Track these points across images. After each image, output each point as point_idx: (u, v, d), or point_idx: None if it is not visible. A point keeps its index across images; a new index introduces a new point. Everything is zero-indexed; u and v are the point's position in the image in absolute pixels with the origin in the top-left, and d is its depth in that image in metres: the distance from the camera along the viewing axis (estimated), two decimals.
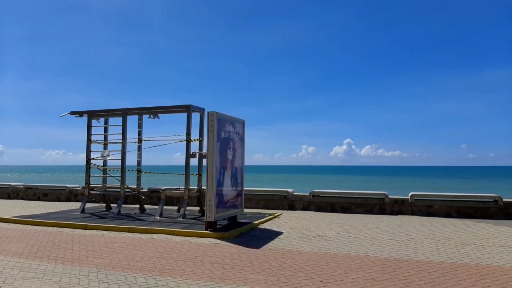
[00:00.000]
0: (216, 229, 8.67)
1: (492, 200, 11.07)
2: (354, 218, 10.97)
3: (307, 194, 12.77)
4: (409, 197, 11.68)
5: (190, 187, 10.81)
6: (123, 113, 11.45)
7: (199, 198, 11.19)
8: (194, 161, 10.71)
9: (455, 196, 11.36)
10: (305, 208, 12.70)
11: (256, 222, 9.81)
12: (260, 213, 11.64)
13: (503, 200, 10.98)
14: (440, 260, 6.43)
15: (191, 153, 10.49)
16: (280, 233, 8.78)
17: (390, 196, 11.95)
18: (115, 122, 11.89)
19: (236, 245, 7.54)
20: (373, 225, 9.80)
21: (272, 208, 12.96)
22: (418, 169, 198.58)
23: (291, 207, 12.85)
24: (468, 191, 23.77)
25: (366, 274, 5.63)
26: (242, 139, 10.03)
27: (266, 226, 9.73)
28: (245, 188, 10.70)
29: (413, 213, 11.58)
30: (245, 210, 11.56)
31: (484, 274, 5.64)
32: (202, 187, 10.73)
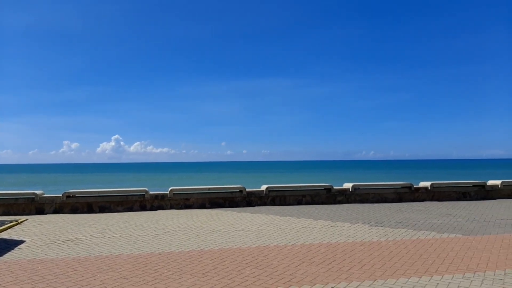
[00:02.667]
0: None
1: (238, 190, 12.68)
2: (113, 217, 10.58)
3: (60, 195, 11.54)
4: (168, 192, 12.11)
5: None
6: None
7: None
8: None
9: (209, 189, 12.48)
10: (58, 211, 11.44)
11: None
12: None
13: (246, 190, 12.73)
14: (190, 249, 6.87)
15: None
16: (21, 242, 7.58)
17: (150, 192, 12.09)
18: None
19: None
20: (131, 223, 9.69)
21: (15, 214, 11.12)
22: (184, 165, 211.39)
23: (40, 211, 11.35)
24: (220, 183, 26.68)
25: (116, 274, 5.45)
26: None
27: (4, 235, 8.24)
28: None
29: (172, 207, 12.07)
30: None
31: (225, 257, 6.33)
32: None
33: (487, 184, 14.51)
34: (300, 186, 13.37)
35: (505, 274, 5.38)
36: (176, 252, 6.70)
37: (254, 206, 12.55)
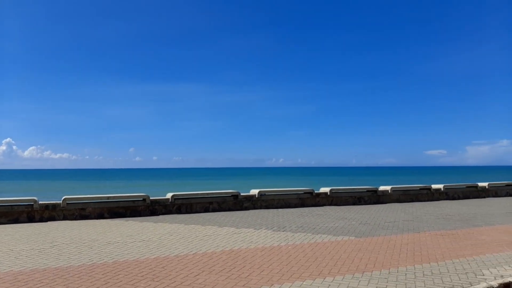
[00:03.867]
0: None
1: (142, 199, 12.12)
2: None
3: None
4: (61, 201, 11.12)
5: None
6: None
7: None
8: None
9: (108, 197, 11.72)
10: None
11: None
12: None
13: (150, 198, 12.23)
14: (80, 264, 6.32)
15: None
16: None
17: (40, 202, 10.97)
18: None
19: None
20: (15, 236, 8.67)
21: None
22: (86, 172, 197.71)
23: None
24: (124, 191, 25.41)
25: None
26: None
27: None
28: None
29: (65, 218, 11.09)
30: None
31: (120, 270, 5.93)
32: None
33: (379, 189, 15.81)
34: (207, 193, 13.23)
35: (389, 273, 5.82)
36: (64, 267, 6.11)
37: (158, 215, 12.09)
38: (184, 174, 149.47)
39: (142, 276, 5.64)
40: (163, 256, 6.83)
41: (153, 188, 50.78)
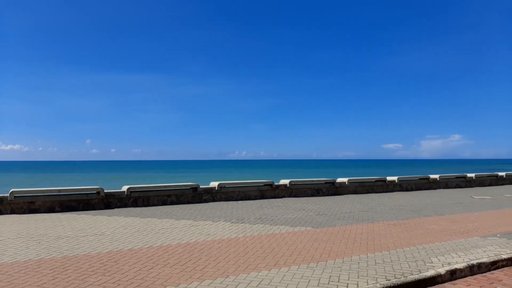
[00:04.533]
0: None
1: (95, 192, 11.69)
2: None
3: None
4: (9, 194, 10.52)
5: None
6: None
7: None
8: None
9: (59, 190, 11.20)
10: None
11: None
12: None
13: (105, 191, 11.82)
14: (27, 259, 5.99)
15: None
16: None
17: None
18: None
19: None
20: None
21: None
22: (39, 164, 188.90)
23: None
24: (78, 184, 24.51)
25: None
26: None
27: None
28: None
29: (13, 211, 10.51)
30: None
31: (69, 265, 5.68)
32: None
33: (337, 181, 16.15)
34: (165, 186, 12.97)
35: (343, 262, 5.94)
36: (9, 263, 5.77)
37: (113, 208, 11.72)
38: (143, 167, 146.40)
39: (93, 271, 5.43)
40: (116, 250, 6.61)
41: (110, 181, 49.29)
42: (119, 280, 5.04)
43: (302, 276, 5.19)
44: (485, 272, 5.95)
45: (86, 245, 6.99)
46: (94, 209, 11.50)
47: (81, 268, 5.56)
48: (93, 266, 5.63)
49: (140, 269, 5.49)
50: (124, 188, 12.23)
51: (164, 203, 12.65)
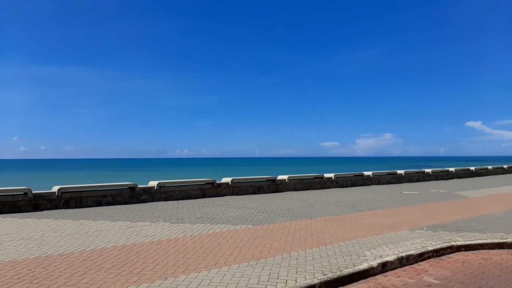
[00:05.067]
0: None
1: (22, 193, 10.88)
2: None
3: None
4: None
5: None
6: None
7: None
8: None
9: None
10: None
11: None
12: None
13: (33, 192, 11.04)
14: None
15: None
16: None
17: None
18: None
19: None
20: None
21: None
22: None
23: None
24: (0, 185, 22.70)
25: None
26: None
27: None
28: None
29: None
30: None
31: (6, 271, 5.22)
32: None
33: (277, 179, 16.42)
34: (100, 186, 12.38)
35: (282, 258, 6.04)
36: None
37: (42, 210, 10.97)
38: (76, 166, 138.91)
39: (19, 278, 5.04)
40: (44, 255, 6.19)
41: (39, 181, 46.14)
42: (48, 287, 4.72)
43: (242, 275, 5.20)
44: (413, 263, 6.35)
45: (11, 250, 6.47)
46: (21, 211, 10.69)
47: (6, 276, 5.13)
48: (19, 273, 5.22)
49: (71, 275, 5.18)
50: (55, 188, 11.50)
51: (99, 204, 12.08)
